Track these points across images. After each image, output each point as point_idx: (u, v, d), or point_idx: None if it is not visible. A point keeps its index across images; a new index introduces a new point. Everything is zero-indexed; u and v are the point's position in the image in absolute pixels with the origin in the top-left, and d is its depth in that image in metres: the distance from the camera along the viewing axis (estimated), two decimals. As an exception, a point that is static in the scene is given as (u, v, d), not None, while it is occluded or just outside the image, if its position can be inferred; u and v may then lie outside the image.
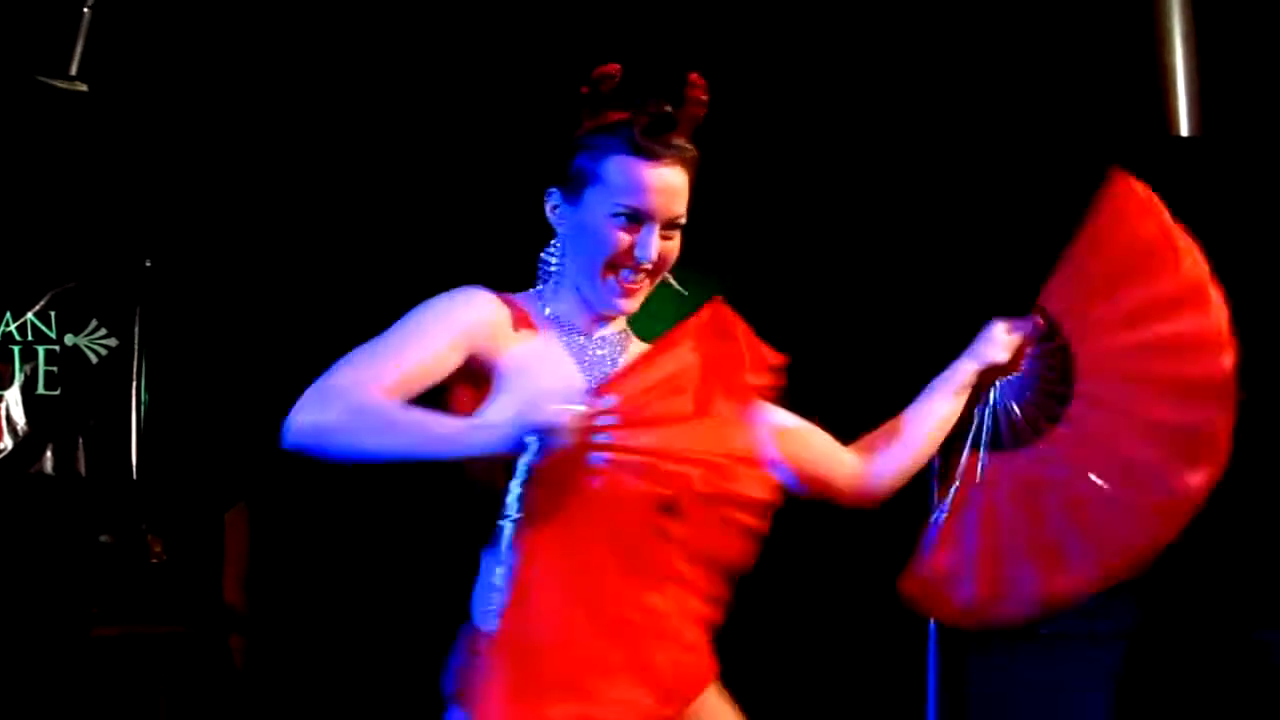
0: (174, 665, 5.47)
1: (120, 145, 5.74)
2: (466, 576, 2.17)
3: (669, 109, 2.14)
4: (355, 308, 5.89)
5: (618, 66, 2.15)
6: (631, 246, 2.13)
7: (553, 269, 2.23)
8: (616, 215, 2.13)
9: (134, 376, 5.71)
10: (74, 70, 5.52)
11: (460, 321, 2.10)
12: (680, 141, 2.16)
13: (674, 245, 2.19)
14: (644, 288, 2.19)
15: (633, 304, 2.19)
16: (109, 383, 5.66)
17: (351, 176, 5.76)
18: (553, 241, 2.24)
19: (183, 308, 5.83)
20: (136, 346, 5.72)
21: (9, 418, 5.47)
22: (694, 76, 2.15)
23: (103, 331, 5.67)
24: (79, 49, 5.51)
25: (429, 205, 5.56)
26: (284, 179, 5.79)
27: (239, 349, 5.83)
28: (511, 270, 2.33)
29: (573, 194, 2.17)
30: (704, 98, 2.15)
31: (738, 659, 2.18)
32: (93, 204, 5.71)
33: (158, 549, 5.60)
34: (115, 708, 5.42)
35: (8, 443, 5.45)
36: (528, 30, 5.20)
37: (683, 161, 2.15)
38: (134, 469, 5.68)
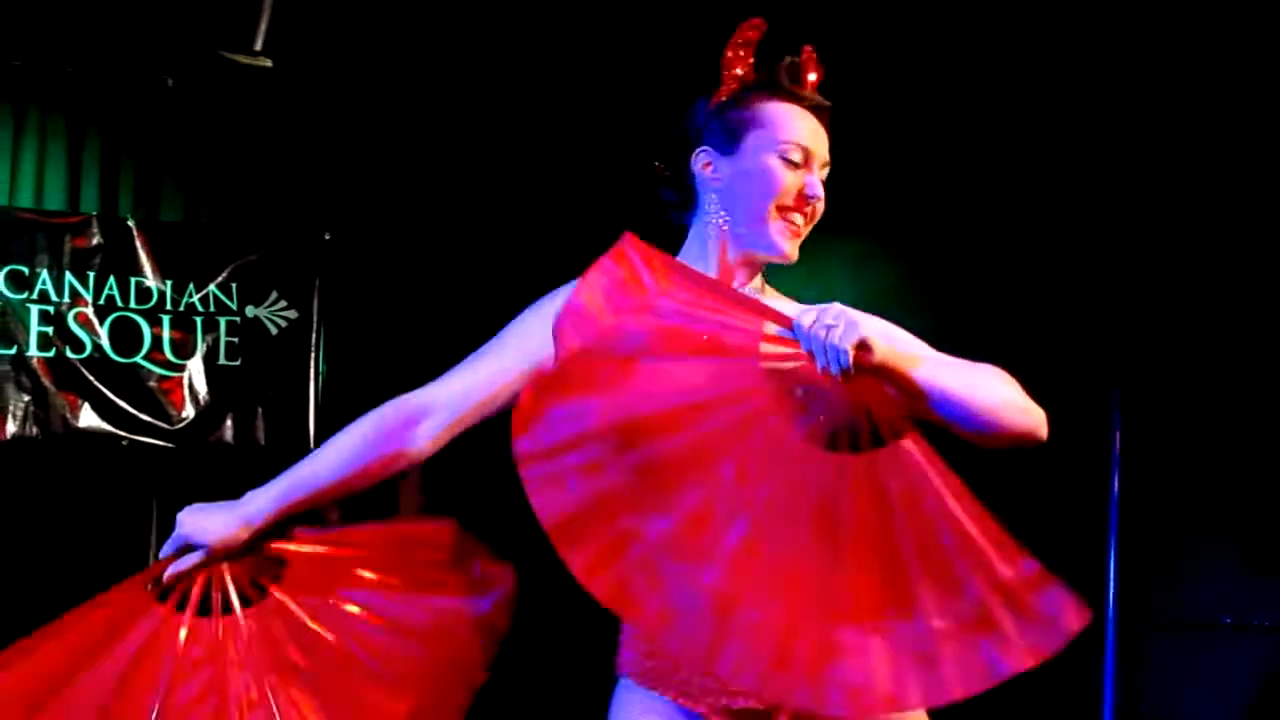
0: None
1: (301, 120, 5.83)
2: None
3: (809, 68, 2.20)
4: (526, 279, 5.90)
5: (757, 24, 2.18)
6: (801, 186, 2.15)
7: (709, 227, 2.20)
8: (784, 155, 2.14)
9: (312, 348, 5.80)
10: (259, 46, 5.62)
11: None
12: (820, 100, 2.20)
13: (822, 199, 2.19)
14: (800, 237, 2.19)
15: (793, 249, 2.18)
16: (288, 354, 5.76)
17: (524, 152, 5.75)
18: (704, 202, 2.21)
19: (361, 281, 5.90)
20: (315, 318, 5.81)
21: (191, 387, 5.59)
22: (807, 49, 2.20)
23: (283, 303, 5.76)
24: (264, 25, 5.60)
25: (595, 175, 5.52)
26: (460, 154, 5.82)
27: (415, 321, 5.87)
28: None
29: (730, 145, 2.18)
30: (815, 72, 2.20)
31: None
32: (274, 178, 5.81)
33: (334, 517, 5.66)
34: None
35: (190, 411, 5.57)
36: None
37: (823, 119, 2.19)
38: (312, 439, 5.76)
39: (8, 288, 5.32)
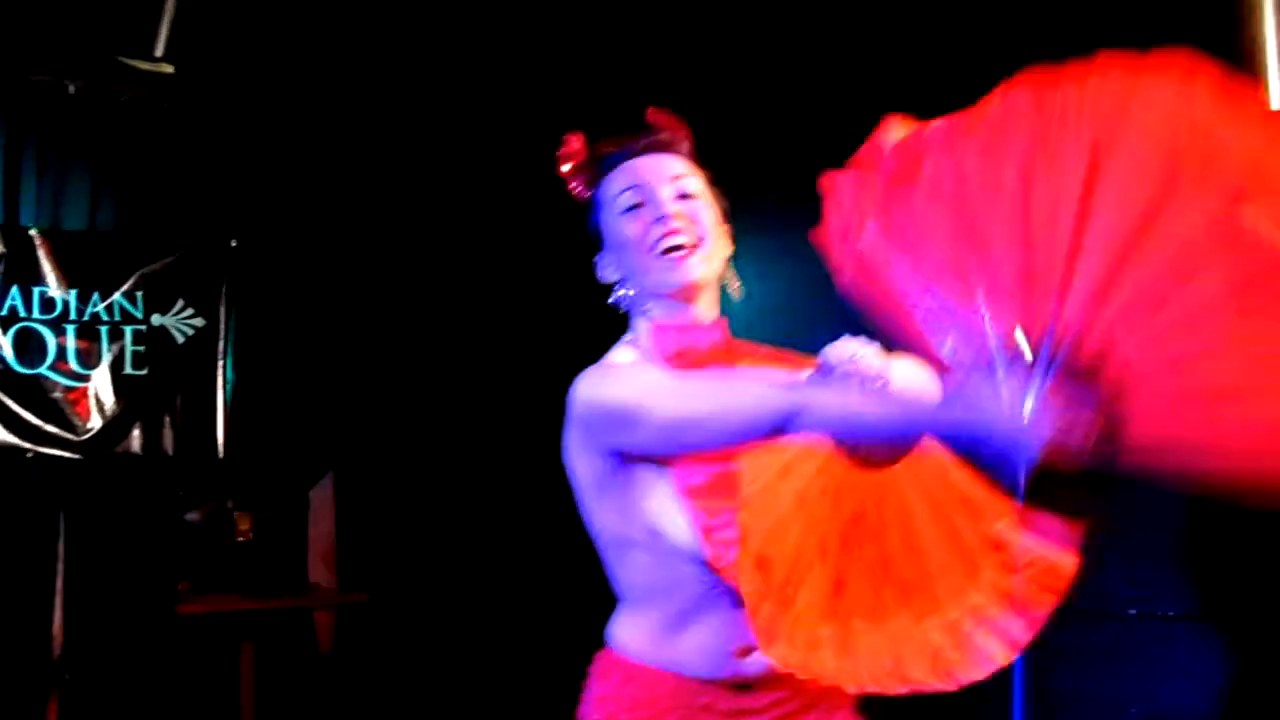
0: (260, 642, 5.51)
1: (206, 127, 5.78)
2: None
3: (624, 137, 2.27)
4: (435, 285, 5.91)
5: (572, 139, 2.29)
6: (648, 218, 2.20)
7: (627, 302, 2.27)
8: (622, 210, 2.22)
9: (220, 355, 5.75)
10: (160, 51, 5.57)
11: None
12: (651, 140, 2.25)
13: (699, 208, 2.23)
14: (692, 255, 2.20)
15: (687, 271, 2.20)
16: (195, 362, 5.70)
17: (430, 157, 5.76)
18: (616, 287, 2.28)
19: (268, 288, 5.87)
20: (222, 326, 5.76)
21: (97, 397, 5.52)
22: (649, 112, 2.28)
23: (189, 311, 5.71)
24: (165, 30, 5.56)
25: (500, 184, 5.54)
26: (366, 159, 5.81)
27: (323, 327, 5.86)
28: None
29: (599, 238, 2.28)
30: (661, 119, 2.27)
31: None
32: (179, 185, 5.75)
33: (244, 526, 5.64)
34: (201, 684, 5.47)
35: (96, 422, 5.50)
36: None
37: (661, 148, 2.25)
38: (220, 447, 5.72)
39: (-93, 299, 5.23)
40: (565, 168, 2.29)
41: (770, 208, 5.19)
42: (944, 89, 2.04)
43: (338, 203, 5.85)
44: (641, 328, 2.27)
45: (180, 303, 5.69)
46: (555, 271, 4.32)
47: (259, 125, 5.87)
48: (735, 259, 2.32)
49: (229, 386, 5.76)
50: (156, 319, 5.65)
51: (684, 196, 2.22)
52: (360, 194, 5.86)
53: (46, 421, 5.40)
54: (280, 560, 5.65)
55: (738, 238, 2.33)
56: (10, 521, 5.36)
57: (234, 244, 5.78)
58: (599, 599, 2.32)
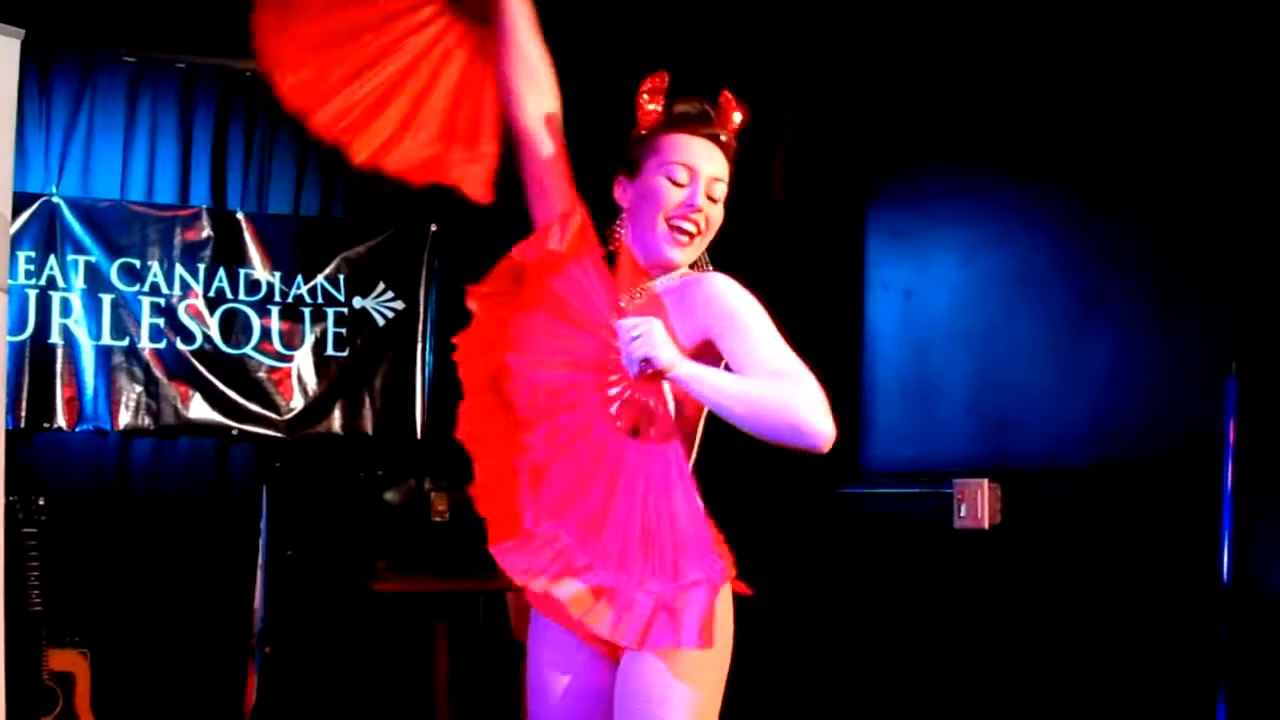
0: (455, 622, 5.54)
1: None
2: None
3: (706, 106, 2.58)
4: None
5: (663, 75, 2.58)
6: (683, 198, 2.53)
7: (620, 239, 2.63)
8: (670, 175, 2.53)
9: (419, 338, 5.83)
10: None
11: None
12: (717, 130, 2.56)
13: (716, 212, 2.57)
14: (688, 245, 2.55)
15: (683, 254, 2.56)
16: (395, 344, 5.80)
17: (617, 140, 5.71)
18: (621, 211, 2.64)
19: (468, 271, 5.88)
20: (422, 309, 5.84)
21: (300, 377, 5.65)
22: (724, 93, 2.59)
23: (390, 294, 5.80)
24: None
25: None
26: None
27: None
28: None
29: (634, 172, 2.59)
30: (734, 111, 2.58)
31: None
32: (378, 169, 5.83)
33: (441, 507, 5.69)
34: (396, 662, 5.54)
35: (298, 402, 5.63)
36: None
37: (719, 144, 2.56)
38: (419, 428, 5.80)
39: (121, 280, 5.41)
40: (644, 98, 2.57)
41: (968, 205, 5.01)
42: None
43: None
44: (619, 261, 2.63)
45: (381, 285, 5.78)
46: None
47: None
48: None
49: (428, 369, 5.84)
50: (358, 301, 5.75)
51: (711, 198, 2.56)
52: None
53: (250, 401, 5.54)
54: (476, 541, 5.66)
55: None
56: (215, 498, 5.51)
57: (434, 228, 5.85)
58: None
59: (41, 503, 4.82)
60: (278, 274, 5.62)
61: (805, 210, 5.30)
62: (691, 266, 2.62)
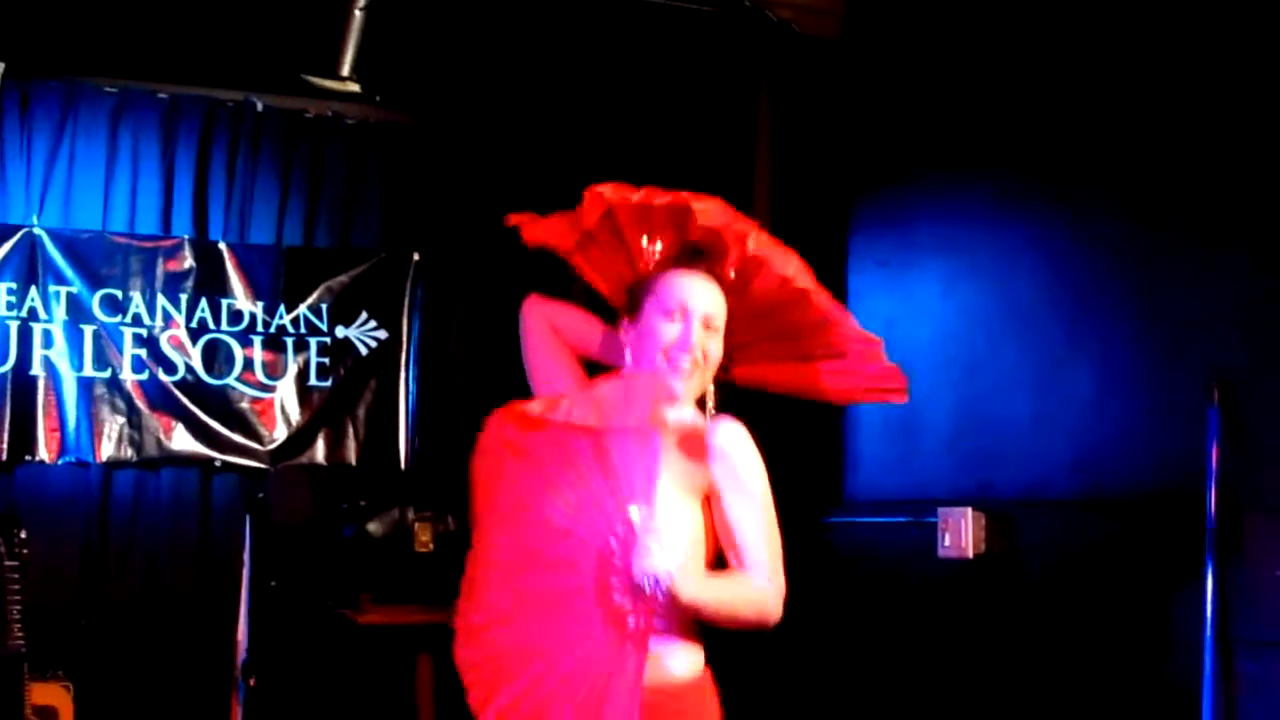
0: (439, 654, 5.53)
1: (390, 142, 5.86)
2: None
3: (701, 246, 2.69)
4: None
5: (659, 246, 2.73)
6: (680, 335, 2.63)
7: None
8: (665, 312, 2.64)
9: (403, 367, 5.83)
10: (346, 70, 5.65)
11: None
12: (716, 270, 2.68)
13: (715, 346, 2.66)
14: (695, 375, 2.64)
15: (683, 386, 2.63)
16: (378, 373, 5.79)
17: (609, 167, 5.72)
18: (626, 349, 2.72)
19: (450, 300, 5.91)
20: (405, 338, 5.84)
21: (283, 407, 5.64)
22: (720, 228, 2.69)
23: (373, 323, 5.80)
24: (350, 50, 5.63)
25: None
26: (546, 170, 5.81)
27: (504, 339, 5.85)
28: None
29: (635, 312, 2.69)
30: (730, 246, 2.68)
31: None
32: (364, 200, 5.84)
33: (425, 537, 5.68)
34: (380, 694, 5.52)
35: (282, 432, 5.62)
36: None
37: (715, 278, 2.68)
38: (403, 458, 5.79)
39: (102, 311, 5.40)
40: (644, 241, 2.73)
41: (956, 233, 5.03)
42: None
43: (525, 208, 5.85)
44: None
45: (364, 315, 5.78)
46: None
47: (443, 139, 5.92)
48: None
49: (411, 398, 5.83)
50: (341, 331, 5.75)
51: (709, 328, 2.65)
52: (541, 206, 5.85)
53: (233, 431, 5.53)
54: (460, 572, 5.65)
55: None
56: (198, 529, 5.49)
57: (417, 257, 5.86)
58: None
59: (24, 535, 4.80)
60: (260, 304, 5.62)
61: (787, 240, 5.31)
62: (699, 405, 2.71)
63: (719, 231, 2.70)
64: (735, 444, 2.61)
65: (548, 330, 2.88)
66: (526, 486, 2.54)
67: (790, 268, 2.75)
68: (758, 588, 2.56)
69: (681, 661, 2.58)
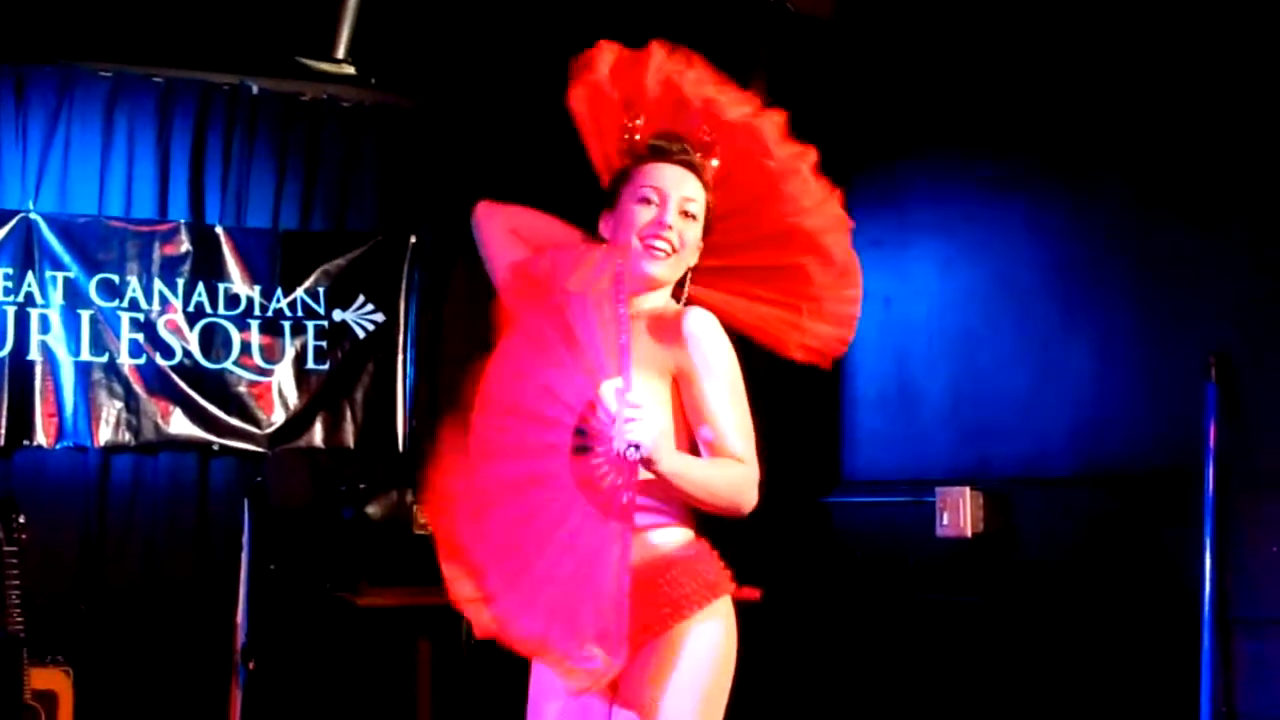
0: (438, 636, 5.53)
1: (386, 125, 5.85)
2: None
3: (679, 137, 2.69)
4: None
5: (641, 122, 2.72)
6: (654, 217, 2.65)
7: None
8: (641, 197, 2.66)
9: (400, 350, 5.82)
10: (341, 52, 5.64)
11: None
12: (694, 160, 2.69)
13: (692, 231, 2.68)
14: (670, 260, 2.66)
15: (660, 269, 2.66)
16: (376, 357, 5.78)
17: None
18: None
19: (448, 283, 5.90)
20: (402, 321, 5.83)
21: (280, 391, 5.63)
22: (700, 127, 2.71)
23: (370, 307, 5.79)
24: (346, 31, 5.62)
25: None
26: (544, 152, 5.80)
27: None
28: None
29: (613, 203, 2.72)
30: (707, 138, 2.70)
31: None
32: (360, 183, 5.83)
33: (423, 520, 5.67)
34: (379, 676, 5.53)
35: (279, 416, 5.61)
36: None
37: (690, 166, 2.68)
38: (400, 441, 5.79)
39: (99, 296, 5.39)
40: (624, 138, 2.72)
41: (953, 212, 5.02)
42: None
43: (516, 198, 5.84)
44: None
45: (361, 298, 5.77)
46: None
47: (439, 122, 5.91)
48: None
49: (409, 381, 5.83)
50: (338, 314, 5.74)
51: (685, 214, 2.67)
52: (539, 188, 5.84)
53: (231, 415, 5.53)
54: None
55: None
56: (196, 513, 5.49)
57: (413, 240, 5.85)
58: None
59: (22, 520, 4.80)
60: (257, 288, 5.61)
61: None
62: (675, 294, 2.73)
63: (729, 125, 2.68)
64: (706, 330, 2.61)
65: (507, 235, 2.86)
66: (508, 368, 2.56)
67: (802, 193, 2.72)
68: (734, 469, 2.57)
69: (668, 537, 2.58)
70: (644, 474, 2.45)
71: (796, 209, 2.74)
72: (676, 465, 2.49)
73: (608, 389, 2.46)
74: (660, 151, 2.69)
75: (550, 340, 2.52)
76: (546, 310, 2.53)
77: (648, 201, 2.65)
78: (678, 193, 2.66)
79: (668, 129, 2.72)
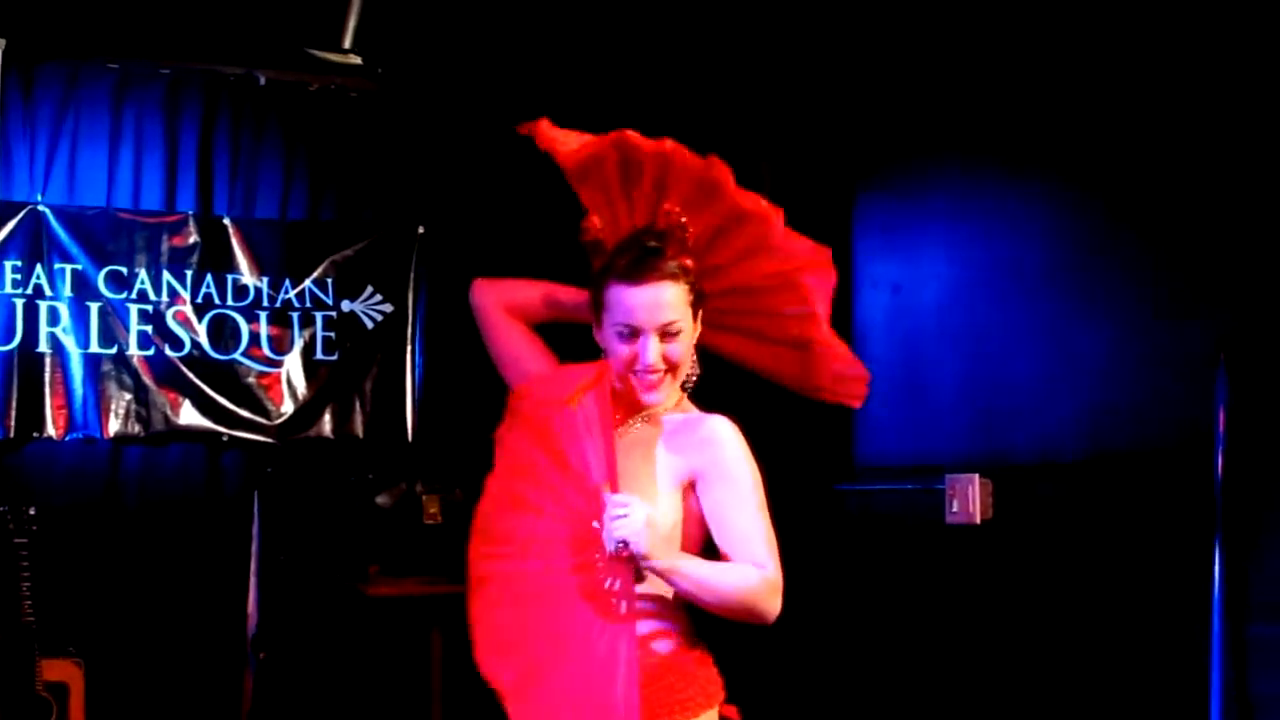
0: (449, 625, 5.54)
1: (393, 115, 5.84)
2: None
3: (652, 243, 2.58)
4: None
5: (596, 220, 2.69)
6: (634, 355, 2.57)
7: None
8: (619, 334, 2.57)
9: (409, 340, 5.83)
10: (348, 43, 5.64)
11: None
12: (664, 263, 2.56)
13: (678, 347, 2.59)
14: (666, 382, 2.60)
15: (658, 396, 2.61)
16: (385, 347, 5.79)
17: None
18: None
19: (456, 273, 5.89)
20: (411, 311, 5.83)
21: (289, 382, 5.64)
22: (669, 209, 2.62)
23: (378, 297, 5.79)
24: (353, 22, 5.62)
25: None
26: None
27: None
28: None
29: (598, 321, 2.64)
30: (681, 235, 2.59)
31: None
32: (368, 173, 5.83)
33: (433, 509, 5.69)
34: (391, 665, 5.54)
35: (289, 406, 5.62)
36: None
37: (668, 276, 2.56)
38: (410, 431, 5.79)
39: (108, 288, 5.39)
40: (587, 239, 2.69)
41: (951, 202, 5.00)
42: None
43: (525, 188, 5.84)
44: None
45: (369, 289, 5.77)
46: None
47: (446, 112, 5.90)
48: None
49: (418, 371, 5.83)
50: (346, 305, 5.74)
51: (668, 335, 2.57)
52: (547, 178, 5.83)
53: (240, 406, 5.53)
54: (468, 543, 5.67)
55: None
56: (207, 504, 5.50)
57: (422, 230, 5.85)
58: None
59: (32, 512, 4.82)
60: (265, 279, 5.61)
61: (792, 205, 5.30)
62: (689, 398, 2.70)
63: (698, 175, 2.61)
64: (725, 436, 2.57)
65: (502, 313, 2.84)
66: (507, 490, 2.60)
67: (780, 251, 2.66)
68: (747, 572, 2.50)
69: (668, 644, 2.57)
70: (645, 577, 2.45)
71: (786, 258, 2.68)
72: (673, 561, 2.46)
73: (605, 494, 2.44)
74: (628, 272, 2.55)
75: (541, 464, 2.53)
76: (536, 437, 2.55)
77: (625, 339, 2.56)
78: (654, 322, 2.55)
79: (631, 234, 2.62)
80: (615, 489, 2.46)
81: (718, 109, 5.34)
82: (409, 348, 5.82)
